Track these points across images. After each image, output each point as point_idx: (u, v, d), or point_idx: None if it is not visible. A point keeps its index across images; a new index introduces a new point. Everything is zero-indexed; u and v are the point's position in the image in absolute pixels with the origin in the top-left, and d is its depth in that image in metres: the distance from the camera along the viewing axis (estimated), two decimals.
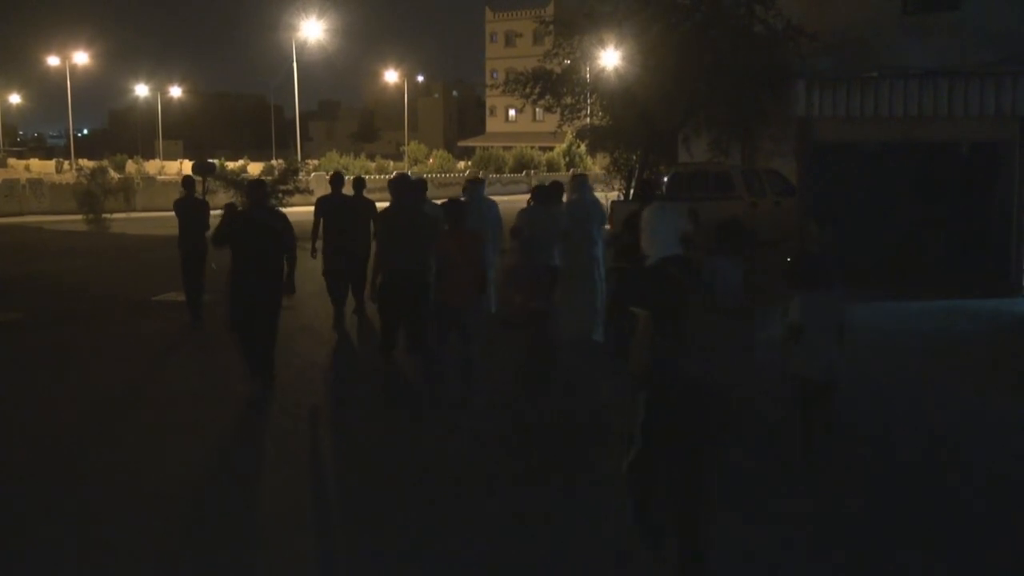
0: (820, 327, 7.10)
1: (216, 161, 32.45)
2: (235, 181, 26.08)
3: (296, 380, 10.20)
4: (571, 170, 64.14)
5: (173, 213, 13.71)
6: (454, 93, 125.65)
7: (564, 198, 11.99)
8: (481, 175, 56.00)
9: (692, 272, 5.31)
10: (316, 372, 10.83)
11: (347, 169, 53.07)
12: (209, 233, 12.17)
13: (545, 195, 11.65)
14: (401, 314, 9.64)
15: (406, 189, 10.18)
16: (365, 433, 8.45)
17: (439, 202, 10.80)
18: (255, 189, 10.01)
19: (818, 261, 7.64)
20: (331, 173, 14.37)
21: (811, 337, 7.06)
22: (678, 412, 5.08)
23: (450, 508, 6.54)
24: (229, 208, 10.26)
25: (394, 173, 25.69)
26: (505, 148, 75.97)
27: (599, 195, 15.00)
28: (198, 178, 15.41)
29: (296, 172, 27.36)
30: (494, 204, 12.62)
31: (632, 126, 26.04)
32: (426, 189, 12.07)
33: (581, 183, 11.87)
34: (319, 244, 13.20)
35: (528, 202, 12.13)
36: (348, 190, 13.43)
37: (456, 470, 7.33)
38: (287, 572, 5.72)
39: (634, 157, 27.49)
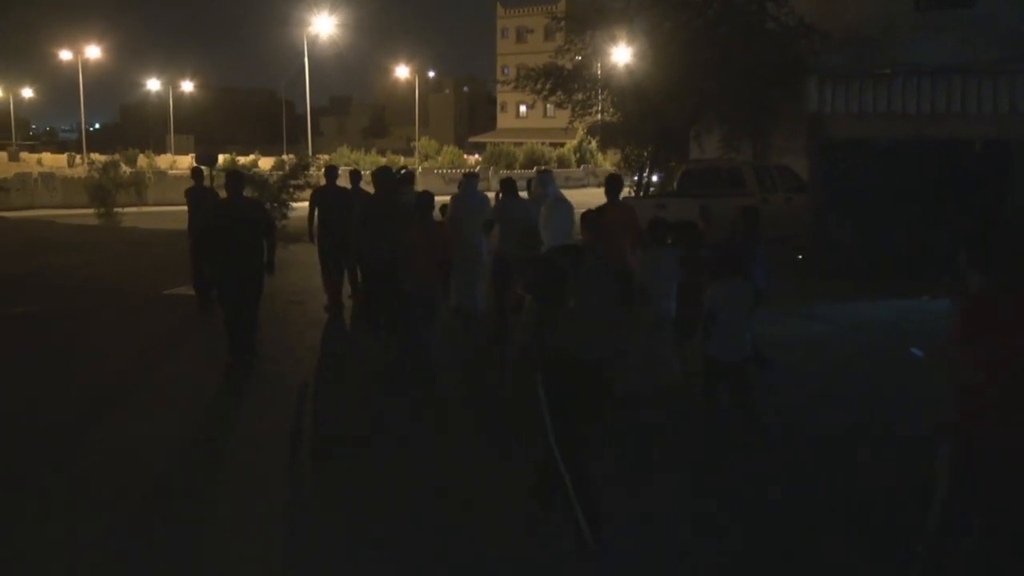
0: (734, 311, 7.60)
1: (226, 155, 32.51)
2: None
3: (306, 372, 10.29)
4: (581, 166, 64.16)
5: (185, 207, 14.33)
6: (465, 89, 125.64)
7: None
8: (481, 170, 56.04)
9: (578, 260, 5.80)
10: (319, 361, 10.92)
11: (357, 164, 53.20)
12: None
13: (511, 188, 12.06)
14: (383, 299, 10.65)
15: (388, 182, 11.23)
16: (364, 420, 8.50)
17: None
18: (232, 181, 10.39)
19: (736, 251, 8.24)
20: (325, 167, 15.39)
21: (726, 320, 7.53)
22: (567, 389, 5.62)
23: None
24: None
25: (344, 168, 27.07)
26: (516, 144, 76.02)
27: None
28: (205, 168, 16.25)
29: (307, 167, 27.32)
30: (486, 198, 12.79)
31: (643, 122, 26.00)
32: (413, 182, 13.40)
33: (544, 179, 12.20)
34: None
35: (496, 195, 12.47)
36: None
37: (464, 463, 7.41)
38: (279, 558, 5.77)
39: (645, 153, 27.44)
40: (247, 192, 12.70)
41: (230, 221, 10.04)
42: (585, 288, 5.69)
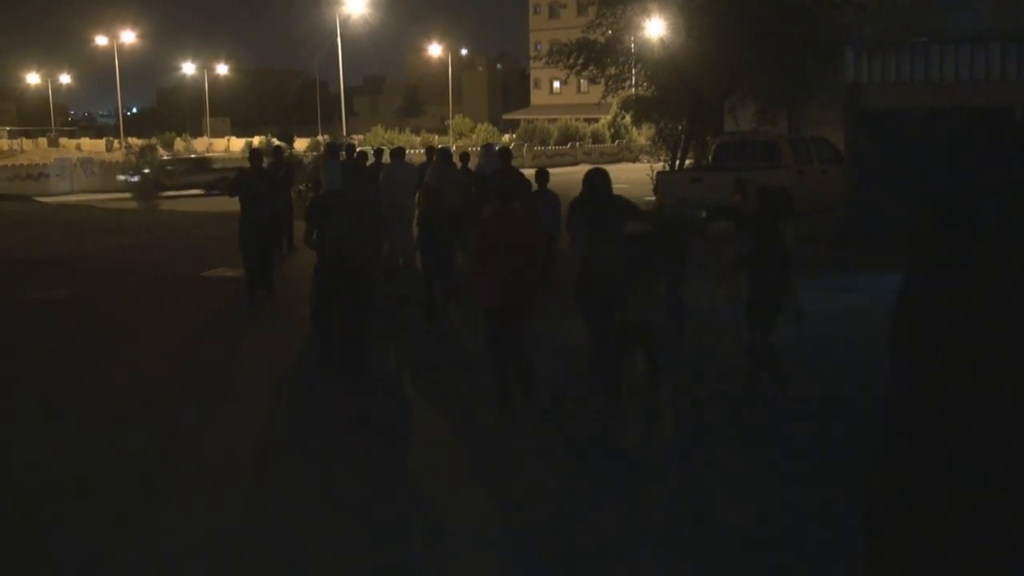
0: None
1: (262, 136, 32.79)
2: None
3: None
4: (616, 142, 63.87)
5: (217, 192, 14.46)
6: (498, 66, 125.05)
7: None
8: (515, 147, 55.96)
9: (336, 197, 9.11)
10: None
11: (392, 143, 53.34)
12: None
13: (447, 158, 14.74)
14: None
15: (331, 154, 15.06)
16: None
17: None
18: (253, 156, 13.60)
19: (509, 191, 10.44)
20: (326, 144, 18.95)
21: None
22: (330, 281, 8.94)
23: None
24: (240, 169, 13.60)
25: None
26: (550, 120, 75.60)
27: (644, 166, 15.79)
28: (284, 145, 17.87)
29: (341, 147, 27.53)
30: (459, 171, 14.55)
31: (677, 96, 25.77)
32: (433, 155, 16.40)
33: (486, 151, 14.64)
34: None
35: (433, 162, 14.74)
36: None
37: None
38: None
39: (679, 127, 27.21)
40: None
41: (250, 185, 12.83)
42: (340, 215, 8.87)
